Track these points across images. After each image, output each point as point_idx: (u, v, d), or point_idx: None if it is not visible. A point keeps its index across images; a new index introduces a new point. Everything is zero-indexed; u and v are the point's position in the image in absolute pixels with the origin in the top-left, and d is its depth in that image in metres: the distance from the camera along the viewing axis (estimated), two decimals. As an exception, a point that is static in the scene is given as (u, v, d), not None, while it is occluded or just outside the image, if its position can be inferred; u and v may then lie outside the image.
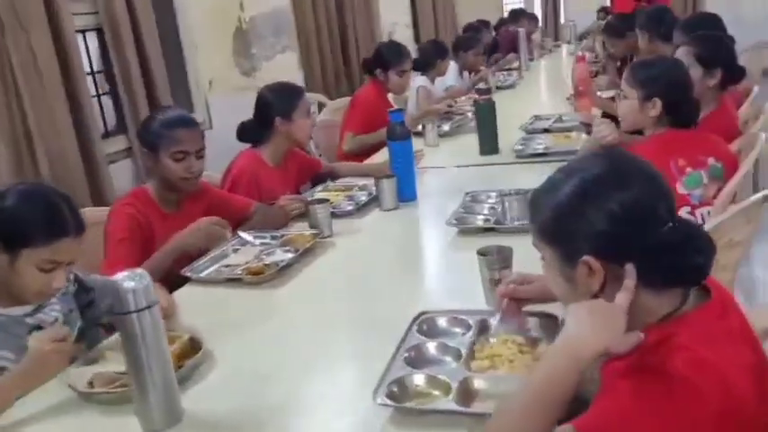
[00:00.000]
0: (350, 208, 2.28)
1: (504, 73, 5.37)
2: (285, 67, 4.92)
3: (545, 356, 0.93)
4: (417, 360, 1.26)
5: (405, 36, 7.95)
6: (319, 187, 2.60)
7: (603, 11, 8.02)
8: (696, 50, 2.44)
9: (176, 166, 1.98)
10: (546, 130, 3.12)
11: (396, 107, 3.71)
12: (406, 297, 1.66)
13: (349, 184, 2.59)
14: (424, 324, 1.38)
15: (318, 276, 1.84)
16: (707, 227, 2.00)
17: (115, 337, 1.48)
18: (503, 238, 1.88)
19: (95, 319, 1.66)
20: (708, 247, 1.00)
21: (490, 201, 2.17)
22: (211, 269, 1.88)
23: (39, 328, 1.48)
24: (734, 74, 2.52)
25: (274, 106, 2.48)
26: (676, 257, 0.96)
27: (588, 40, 6.26)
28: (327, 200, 2.13)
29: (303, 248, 1.91)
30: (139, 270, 1.15)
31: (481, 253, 1.48)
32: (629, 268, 0.96)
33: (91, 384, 1.30)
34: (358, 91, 3.67)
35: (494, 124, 2.83)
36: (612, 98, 3.61)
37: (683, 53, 2.47)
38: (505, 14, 9.52)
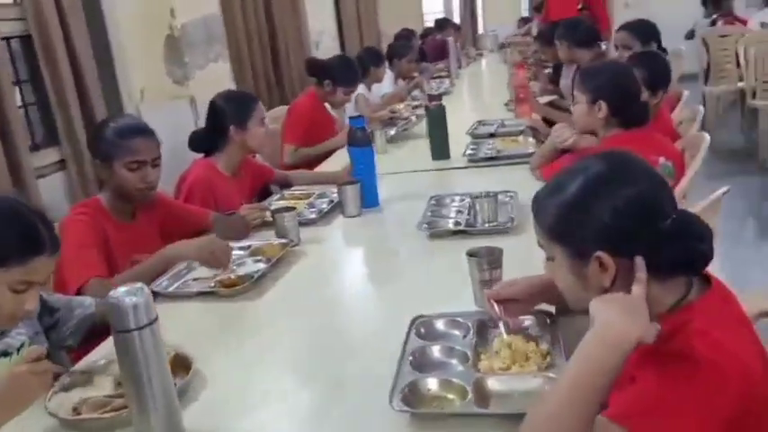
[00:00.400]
0: (313, 216, 2.24)
1: (437, 81, 5.45)
2: (218, 76, 4.79)
3: (582, 352, 0.93)
4: (423, 364, 1.25)
5: (330, 45, 7.93)
6: (276, 196, 2.54)
7: (523, 20, 8.30)
8: (643, 74, 2.54)
9: (132, 175, 1.89)
10: (492, 135, 3.18)
11: (334, 116, 3.74)
12: (388, 303, 1.65)
13: (306, 191, 2.54)
14: (422, 327, 1.37)
15: (295, 286, 1.79)
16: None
17: (96, 358, 1.40)
18: (475, 241, 1.90)
19: (60, 341, 1.55)
20: (708, 234, 1.04)
21: (455, 204, 2.19)
22: (178, 284, 1.80)
23: (5, 354, 1.37)
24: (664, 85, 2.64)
25: (228, 114, 2.41)
26: (681, 246, 1.01)
27: (511, 49, 6.42)
28: (294, 208, 2.08)
29: (276, 258, 1.86)
30: (139, 284, 1.08)
31: (471, 254, 1.48)
32: (639, 261, 1.00)
33: (76, 411, 1.21)
34: (295, 101, 3.63)
35: (445, 130, 2.86)
36: (550, 103, 3.74)
37: None
38: (426, 24, 9.71)
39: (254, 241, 2.05)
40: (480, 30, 9.81)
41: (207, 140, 2.46)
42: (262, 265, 1.83)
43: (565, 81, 4.29)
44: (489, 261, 1.45)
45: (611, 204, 1.01)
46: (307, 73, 3.53)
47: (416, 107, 4.34)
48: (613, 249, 1.01)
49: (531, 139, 2.92)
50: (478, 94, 5.28)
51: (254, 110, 2.45)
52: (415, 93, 4.71)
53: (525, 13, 9.74)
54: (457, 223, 1.98)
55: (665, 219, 1.01)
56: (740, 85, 5.65)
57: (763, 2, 7.15)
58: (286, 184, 2.74)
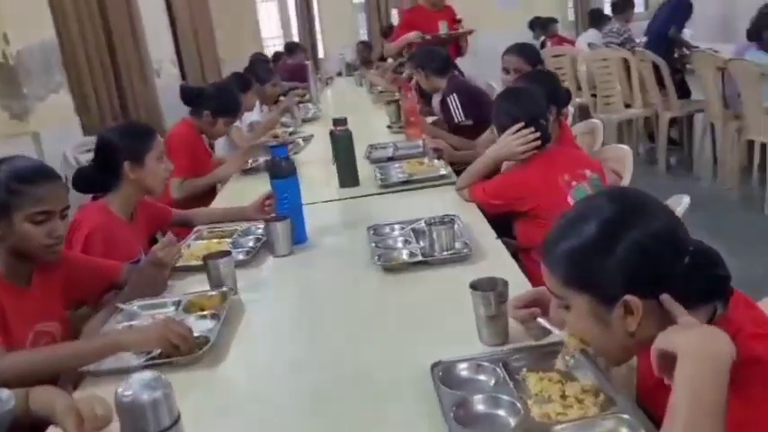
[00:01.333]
0: (242, 257, 1.99)
1: (300, 105, 5.28)
2: (61, 108, 4.29)
3: (689, 388, 0.86)
4: (469, 419, 1.10)
5: (171, 73, 7.50)
6: (192, 236, 2.25)
7: (363, 44, 8.37)
8: (544, 92, 2.57)
9: (36, 230, 1.55)
10: (391, 159, 3.09)
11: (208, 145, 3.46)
12: (371, 350, 1.47)
13: (228, 229, 2.27)
14: (442, 374, 1.22)
15: (254, 344, 1.55)
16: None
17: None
18: (434, 271, 1.79)
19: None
20: (719, 255, 1.04)
21: (396, 233, 2.05)
22: (113, 358, 1.48)
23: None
24: (566, 101, 2.70)
25: (122, 150, 2.09)
26: (706, 276, 0.99)
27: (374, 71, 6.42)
28: (229, 252, 1.83)
29: (222, 312, 1.60)
30: (151, 373, 0.83)
31: (475, 287, 1.36)
32: (667, 299, 0.97)
33: None
34: (171, 131, 3.29)
35: (352, 155, 2.72)
36: (434, 123, 3.75)
37: None
38: (266, 49, 9.52)
39: (178, 293, 1.77)
40: (320, 54, 9.78)
41: (96, 180, 2.12)
42: (210, 323, 1.57)
43: (434, 102, 4.34)
44: (497, 295, 1.33)
45: (635, 244, 0.97)
46: (182, 101, 3.21)
47: (292, 134, 4.16)
48: (639, 291, 0.97)
49: (436, 161, 2.86)
50: (354, 119, 5.12)
51: (152, 143, 2.15)
52: (285, 119, 4.51)
53: (364, 37, 9.88)
54: (412, 254, 1.85)
55: (687, 252, 0.99)
56: (578, 101, 6.09)
57: (589, 24, 7.78)
58: (187, 225, 2.44)
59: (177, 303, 1.70)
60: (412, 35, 4.88)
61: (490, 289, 1.35)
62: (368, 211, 2.49)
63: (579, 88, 5.89)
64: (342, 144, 2.68)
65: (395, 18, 9.73)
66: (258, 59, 5.70)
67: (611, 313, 0.98)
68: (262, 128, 4.03)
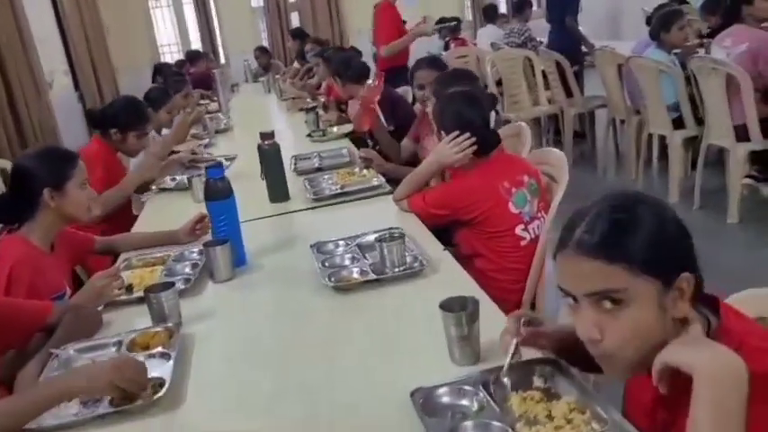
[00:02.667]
0: (181, 286, 1.88)
1: (209, 116, 5.10)
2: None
3: (709, 411, 0.86)
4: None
5: (63, 83, 7.08)
6: (121, 263, 2.10)
7: (260, 50, 8.20)
8: None
9: None
10: (319, 169, 3.02)
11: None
12: (339, 378, 1.41)
13: (157, 255, 2.14)
14: (425, 403, 1.18)
15: (211, 381, 1.46)
16: (542, 240, 2.14)
17: None
18: (388, 288, 1.75)
19: None
20: None
21: (341, 250, 2.00)
22: (59, 412, 1.34)
23: None
24: (492, 104, 2.73)
25: (41, 177, 1.93)
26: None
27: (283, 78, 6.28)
28: (173, 283, 1.71)
29: (173, 350, 1.50)
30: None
31: (445, 308, 1.33)
32: (688, 277, 0.98)
33: None
34: (81, 149, 3.08)
35: (282, 169, 2.63)
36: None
37: None
38: (162, 57, 9.16)
39: (116, 331, 1.65)
40: (222, 60, 9.52)
41: (12, 210, 1.94)
42: (161, 363, 1.46)
43: (350, 111, 4.31)
44: (469, 315, 1.31)
45: (678, 225, 1.00)
46: (91, 126, 3.04)
47: (206, 146, 4.01)
48: (690, 268, 0.99)
49: (366, 171, 2.82)
50: (269, 128, 4.94)
51: (73, 169, 1.99)
52: (195, 130, 4.33)
53: (265, 43, 9.70)
54: (363, 272, 1.80)
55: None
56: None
57: (485, 20, 7.96)
58: (110, 253, 2.29)
59: (118, 344, 1.57)
60: (424, 27, 4.77)
61: (461, 309, 1.32)
62: (303, 226, 2.42)
63: (486, 87, 6.01)
64: (270, 158, 2.59)
65: (295, 20, 9.63)
66: (168, 69, 5.44)
67: (667, 298, 0.97)
68: (171, 140, 3.85)
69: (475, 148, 2.12)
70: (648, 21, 7.42)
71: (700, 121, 4.31)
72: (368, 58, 5.03)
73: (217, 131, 4.42)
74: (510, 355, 1.19)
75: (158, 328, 1.60)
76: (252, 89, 6.95)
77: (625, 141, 5.53)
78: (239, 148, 3.93)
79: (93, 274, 2.45)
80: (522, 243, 2.12)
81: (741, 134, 3.88)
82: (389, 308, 1.68)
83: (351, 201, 2.57)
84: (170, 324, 1.61)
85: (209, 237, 2.16)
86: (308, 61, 6.09)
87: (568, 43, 5.90)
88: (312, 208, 2.54)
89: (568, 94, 5.57)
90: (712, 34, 5.23)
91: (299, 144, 3.73)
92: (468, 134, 2.11)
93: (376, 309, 1.69)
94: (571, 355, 1.21)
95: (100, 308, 1.78)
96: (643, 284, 0.96)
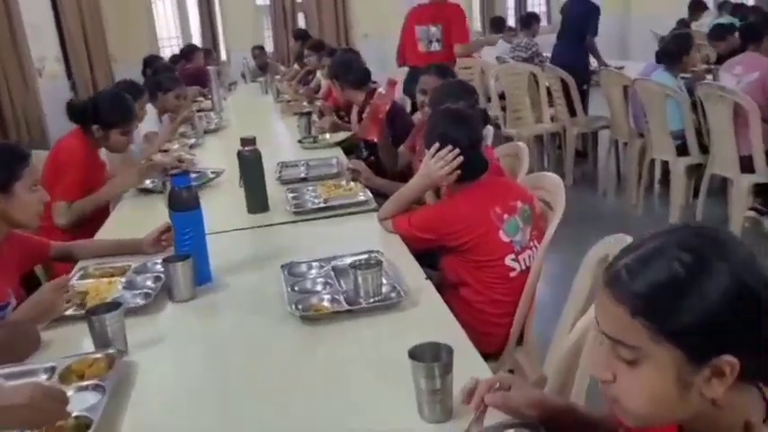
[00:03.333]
0: (141, 302, 1.71)
1: (199, 114, 4.93)
2: None
3: None
4: None
5: (55, 70, 6.92)
6: (75, 274, 1.93)
7: (258, 48, 8.06)
8: None
9: None
10: (304, 179, 2.86)
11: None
12: (289, 426, 1.25)
13: (117, 265, 1.97)
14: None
15: (148, 421, 1.29)
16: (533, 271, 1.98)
17: None
18: (360, 320, 1.59)
19: None
20: None
21: (314, 272, 1.84)
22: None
23: None
24: (484, 122, 2.57)
25: (-15, 177, 1.77)
26: None
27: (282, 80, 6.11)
28: (119, 304, 1.54)
29: (108, 382, 1.33)
30: None
31: (415, 356, 1.17)
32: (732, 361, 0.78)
33: None
34: (58, 144, 2.90)
35: (261, 178, 2.47)
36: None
37: None
38: (162, 50, 8.99)
39: (52, 355, 1.48)
40: (222, 57, 9.35)
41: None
42: (92, 397, 1.29)
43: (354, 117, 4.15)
44: (442, 366, 1.15)
45: (754, 298, 0.78)
46: (71, 120, 2.83)
47: (192, 146, 3.85)
48: (738, 350, 0.77)
49: (353, 184, 2.66)
50: (261, 132, 4.75)
51: (22, 170, 1.83)
52: (183, 128, 4.16)
53: (270, 41, 9.55)
54: (335, 300, 1.64)
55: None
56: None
57: (491, 32, 7.83)
58: (67, 260, 2.12)
59: (51, 370, 1.40)
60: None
61: (433, 359, 1.16)
62: (280, 242, 2.25)
63: (489, 100, 5.87)
64: (250, 166, 2.43)
65: (301, 21, 9.48)
66: (162, 66, 5.25)
67: (695, 375, 0.78)
68: (160, 140, 3.69)
69: (461, 160, 1.96)
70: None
71: (704, 149, 4.17)
72: (372, 64, 4.89)
73: (207, 131, 4.25)
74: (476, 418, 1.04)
75: (98, 355, 1.43)
76: (249, 89, 6.78)
77: (627, 164, 5.39)
78: (227, 151, 3.78)
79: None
80: (512, 274, 1.96)
81: (746, 165, 3.73)
82: (360, 344, 1.52)
83: (333, 216, 2.40)
84: (112, 351, 1.44)
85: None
86: (307, 64, 5.94)
87: (578, 61, 5.75)
88: (293, 222, 2.37)
89: (572, 112, 5.42)
90: (720, 60, 5.11)
91: (288, 150, 3.57)
92: (450, 147, 1.96)
93: (345, 344, 1.52)
94: (555, 422, 1.05)
95: (41, 325, 1.61)
96: (661, 351, 0.79)
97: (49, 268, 2.39)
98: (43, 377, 1.39)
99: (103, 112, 2.79)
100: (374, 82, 3.79)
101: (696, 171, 4.34)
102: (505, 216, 1.95)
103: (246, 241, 2.30)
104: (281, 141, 3.86)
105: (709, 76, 4.63)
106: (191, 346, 1.58)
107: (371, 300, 1.61)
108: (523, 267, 1.97)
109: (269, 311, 1.68)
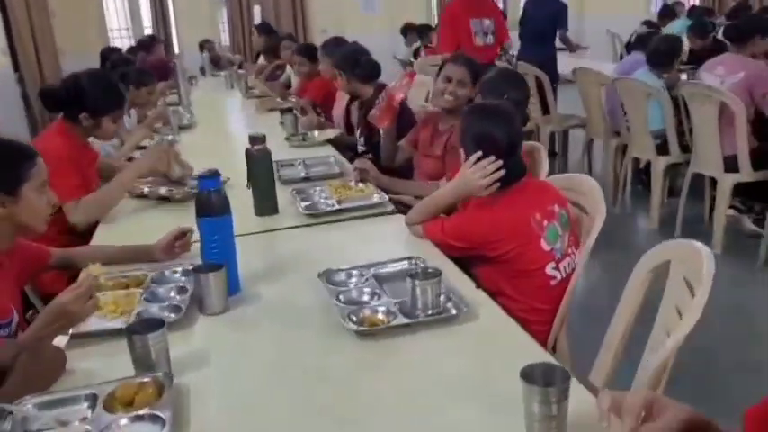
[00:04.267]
0: (172, 316, 1.56)
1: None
2: None
3: None
4: None
5: (2, 62, 6.52)
6: (87, 279, 1.72)
7: (207, 42, 7.83)
8: None
9: None
10: (306, 179, 2.72)
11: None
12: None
13: (130, 275, 1.80)
14: None
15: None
16: (573, 279, 1.91)
17: None
18: (420, 335, 1.48)
19: None
20: None
21: (353, 280, 1.72)
22: None
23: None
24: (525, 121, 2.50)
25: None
26: None
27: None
28: (161, 321, 1.37)
29: (165, 410, 1.18)
30: None
31: (527, 377, 1.07)
32: None
33: None
34: (42, 143, 2.54)
35: (271, 178, 2.33)
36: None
37: None
38: (112, 42, 8.62)
39: (84, 379, 1.32)
40: (176, 50, 9.03)
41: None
42: (154, 428, 1.14)
43: (338, 110, 4.02)
44: (559, 391, 1.05)
45: None
46: (46, 109, 2.58)
47: (171, 143, 3.64)
48: None
49: (362, 184, 2.54)
50: (240, 129, 4.48)
51: (30, 170, 1.64)
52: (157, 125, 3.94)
53: (225, 36, 9.28)
54: (389, 312, 1.52)
55: None
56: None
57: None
58: (68, 268, 1.94)
59: (92, 398, 1.24)
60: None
61: (546, 382, 1.06)
62: (297, 247, 2.12)
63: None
64: (260, 166, 2.29)
65: (257, 16, 9.24)
66: (120, 59, 4.96)
67: None
68: (136, 138, 3.47)
69: (503, 173, 1.86)
70: (630, 43, 7.43)
71: (684, 148, 4.22)
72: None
73: (180, 127, 4.04)
74: None
75: (145, 379, 1.28)
76: (211, 83, 6.54)
77: (600, 163, 5.43)
78: (207, 149, 3.60)
79: (42, 292, 2.11)
80: (552, 283, 1.88)
81: (730, 165, 3.78)
82: (425, 361, 1.41)
83: (348, 219, 2.28)
84: (158, 374, 1.29)
85: (193, 256, 1.86)
86: (279, 58, 5.75)
87: (547, 60, 5.76)
88: (308, 225, 2.24)
89: (544, 110, 5.42)
90: (693, 59, 5.19)
91: (277, 148, 3.39)
92: (493, 157, 1.86)
93: (408, 361, 1.41)
94: None
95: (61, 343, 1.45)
96: None
97: (35, 279, 2.17)
98: (84, 405, 1.23)
99: (92, 97, 2.50)
100: None
101: (672, 170, 4.40)
102: (545, 223, 1.87)
103: (260, 246, 2.15)
104: (270, 140, 3.69)
105: (683, 76, 4.69)
106: (238, 365, 1.43)
107: (430, 312, 1.50)
108: (563, 275, 1.90)
109: (314, 324, 1.56)
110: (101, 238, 2.24)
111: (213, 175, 1.67)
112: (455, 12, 5.23)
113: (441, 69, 2.98)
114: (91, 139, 2.68)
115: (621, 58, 8.50)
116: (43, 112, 6.98)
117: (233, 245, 1.71)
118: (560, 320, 1.92)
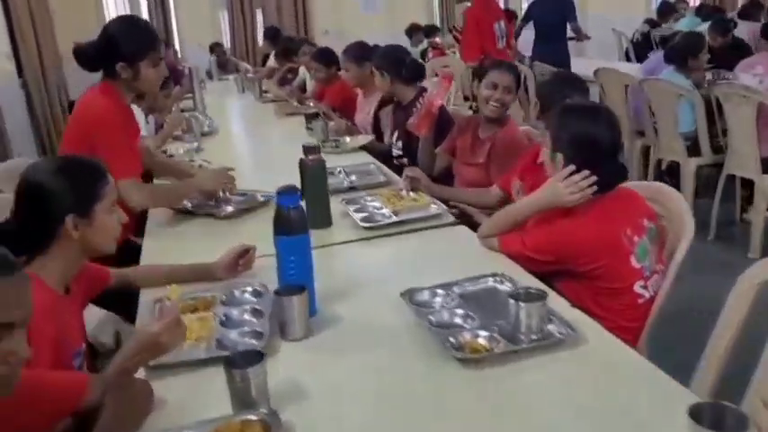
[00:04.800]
0: (256, 343, 1.45)
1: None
2: None
3: None
4: None
5: (6, 69, 6.36)
6: (158, 304, 1.62)
7: (217, 45, 7.73)
8: None
9: None
10: (352, 188, 2.62)
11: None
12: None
13: (198, 296, 1.68)
14: None
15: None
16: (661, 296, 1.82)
17: None
18: (525, 363, 1.38)
19: None
20: None
21: (438, 300, 1.62)
22: None
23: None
24: None
25: (62, 199, 1.45)
26: None
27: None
28: (260, 354, 1.26)
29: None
30: None
31: (694, 416, 0.97)
32: None
33: None
34: (86, 108, 2.29)
35: (326, 190, 2.23)
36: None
37: None
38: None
39: (171, 410, 1.22)
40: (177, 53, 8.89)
41: (19, 241, 1.46)
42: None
43: (362, 116, 3.92)
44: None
45: None
46: (85, 68, 2.34)
47: (198, 151, 3.53)
48: None
49: (415, 194, 2.44)
50: (263, 135, 4.34)
51: (103, 189, 1.52)
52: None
53: (226, 38, 9.15)
54: (492, 338, 1.42)
55: None
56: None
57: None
58: (127, 288, 1.83)
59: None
60: None
61: (711, 423, 0.97)
62: (362, 263, 2.04)
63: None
64: (314, 177, 2.18)
65: (260, 19, 9.12)
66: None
67: None
68: (157, 143, 3.36)
69: (595, 189, 1.77)
70: (638, 41, 7.38)
71: (715, 150, 4.15)
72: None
73: (203, 134, 3.93)
74: None
75: (250, 417, 1.18)
76: (220, 87, 6.42)
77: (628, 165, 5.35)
78: (237, 158, 3.50)
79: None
80: (640, 301, 1.79)
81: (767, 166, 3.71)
82: (541, 390, 1.31)
83: (408, 231, 2.18)
84: (263, 411, 1.18)
85: (259, 273, 1.77)
86: (293, 61, 5.64)
87: (563, 59, 5.70)
88: (367, 239, 2.14)
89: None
90: (713, 58, 5.11)
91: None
92: (587, 172, 1.76)
93: (523, 390, 1.31)
94: None
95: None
96: None
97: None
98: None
99: (123, 41, 2.22)
100: None
101: (702, 171, 4.33)
102: (636, 238, 1.77)
103: (319, 262, 1.98)
104: (297, 145, 3.57)
105: (709, 75, 4.62)
106: (340, 397, 1.33)
107: (534, 337, 1.41)
108: (651, 294, 1.80)
109: (407, 348, 1.46)
110: (148, 254, 2.12)
111: (292, 191, 1.57)
112: (479, 16, 5.16)
113: (477, 75, 2.89)
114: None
115: (628, 55, 8.46)
116: (47, 118, 6.85)
117: (311, 265, 1.61)
118: (644, 339, 1.83)
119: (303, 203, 2.16)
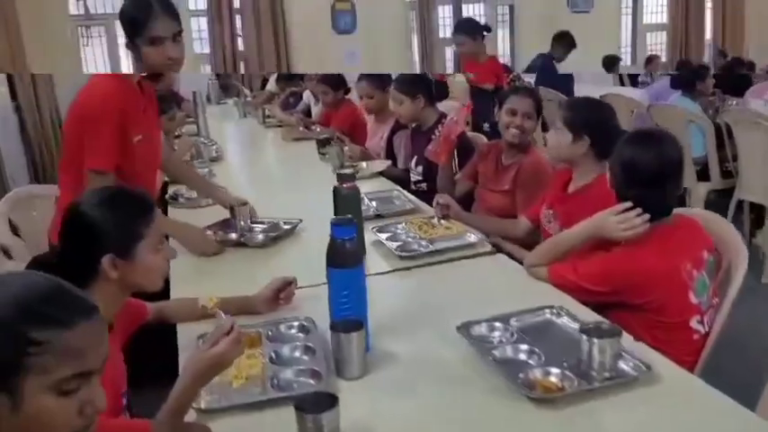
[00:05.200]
0: (311, 382, 1.39)
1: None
2: None
3: None
4: None
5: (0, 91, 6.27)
6: (214, 337, 1.52)
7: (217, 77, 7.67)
8: None
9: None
10: (379, 216, 2.57)
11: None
12: None
13: (249, 330, 1.60)
14: None
15: None
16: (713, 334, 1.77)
17: None
18: (599, 402, 1.33)
19: None
20: None
21: (496, 334, 1.56)
22: None
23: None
24: None
25: (104, 237, 1.37)
26: None
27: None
28: (334, 397, 1.18)
29: None
30: None
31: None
32: None
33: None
34: (87, 90, 2.12)
35: (360, 218, 2.16)
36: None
37: None
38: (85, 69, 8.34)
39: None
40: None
41: (64, 274, 1.38)
42: None
43: (374, 141, 3.87)
44: None
45: None
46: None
47: (210, 178, 3.45)
48: None
49: (444, 221, 2.39)
50: (273, 161, 4.33)
51: (148, 226, 1.44)
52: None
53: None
54: (565, 377, 1.36)
55: None
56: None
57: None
58: (163, 323, 1.75)
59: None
60: None
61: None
62: (404, 293, 1.99)
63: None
64: (349, 206, 2.11)
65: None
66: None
67: None
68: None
69: (647, 226, 1.73)
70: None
71: (725, 174, 4.16)
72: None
73: (212, 160, 3.86)
74: None
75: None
76: (219, 111, 6.34)
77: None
78: (250, 185, 3.43)
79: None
80: (695, 337, 1.74)
81: (779, 191, 3.72)
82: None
83: (445, 261, 2.13)
84: (342, 461, 1.12)
85: (299, 306, 1.71)
86: (296, 85, 5.60)
87: (563, 77, 5.73)
88: (407, 269, 2.08)
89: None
90: (719, 83, 5.14)
91: (325, 182, 3.23)
92: (640, 210, 1.72)
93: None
94: None
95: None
96: None
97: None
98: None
99: (122, 19, 2.08)
100: None
101: (711, 196, 4.33)
102: (695, 273, 1.72)
103: None
104: (310, 172, 3.52)
105: (714, 99, 4.66)
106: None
107: (608, 374, 1.35)
108: (706, 329, 1.76)
109: (472, 386, 1.41)
110: (178, 287, 2.04)
111: (347, 222, 1.51)
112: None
113: (494, 100, 2.86)
114: None
115: (622, 80, 8.54)
116: (40, 142, 6.73)
117: (365, 299, 1.54)
118: (699, 374, 1.78)
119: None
